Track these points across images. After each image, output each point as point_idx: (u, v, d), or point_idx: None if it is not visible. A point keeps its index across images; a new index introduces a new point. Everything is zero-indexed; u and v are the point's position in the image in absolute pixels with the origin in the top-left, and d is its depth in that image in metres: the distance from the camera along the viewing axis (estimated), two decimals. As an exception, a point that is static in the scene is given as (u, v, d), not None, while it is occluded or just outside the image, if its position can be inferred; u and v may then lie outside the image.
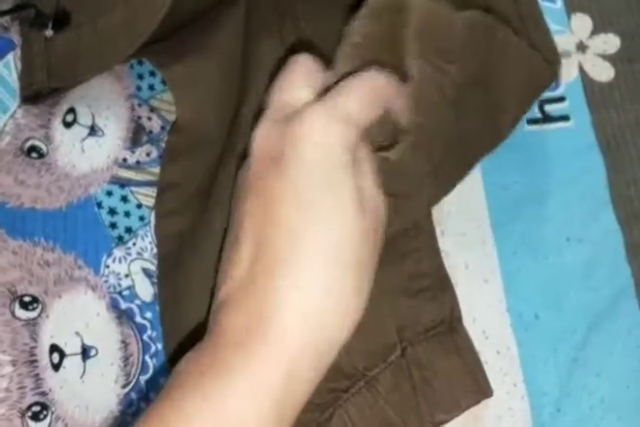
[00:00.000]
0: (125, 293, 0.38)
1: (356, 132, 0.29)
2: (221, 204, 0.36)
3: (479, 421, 0.34)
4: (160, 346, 0.37)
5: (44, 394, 0.36)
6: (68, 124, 0.40)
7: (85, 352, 0.37)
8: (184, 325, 0.35)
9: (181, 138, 0.39)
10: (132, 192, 0.39)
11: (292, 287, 0.27)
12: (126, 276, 0.38)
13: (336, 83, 0.31)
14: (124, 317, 0.37)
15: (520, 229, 0.37)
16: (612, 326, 0.35)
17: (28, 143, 0.40)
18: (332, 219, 0.27)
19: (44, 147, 0.40)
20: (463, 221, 0.37)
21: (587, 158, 0.38)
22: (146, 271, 0.38)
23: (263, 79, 0.38)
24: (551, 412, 0.35)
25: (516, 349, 0.36)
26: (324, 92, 0.30)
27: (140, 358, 0.37)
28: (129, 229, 0.39)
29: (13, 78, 0.41)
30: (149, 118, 0.40)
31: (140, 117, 0.40)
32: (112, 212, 0.39)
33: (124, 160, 0.40)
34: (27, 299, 0.38)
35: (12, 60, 0.41)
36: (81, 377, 0.37)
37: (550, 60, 0.34)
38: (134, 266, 0.38)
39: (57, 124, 0.40)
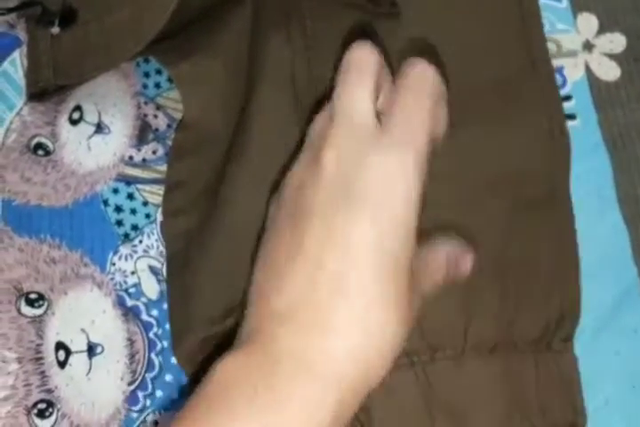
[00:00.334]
0: (131, 290, 0.38)
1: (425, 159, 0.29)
2: (229, 202, 0.36)
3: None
4: (166, 344, 0.37)
5: (49, 391, 0.37)
6: (74, 122, 0.40)
7: (91, 350, 0.37)
8: (192, 323, 0.35)
9: (188, 136, 0.39)
10: (138, 190, 0.39)
11: (351, 319, 0.27)
12: (132, 273, 0.38)
13: None
14: (130, 314, 0.37)
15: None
16: (617, 325, 0.35)
17: (35, 140, 0.40)
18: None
19: (50, 144, 0.40)
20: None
21: (593, 158, 0.38)
22: (152, 269, 0.38)
23: (270, 78, 0.38)
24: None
25: (522, 348, 0.36)
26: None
27: (146, 355, 0.37)
28: (135, 227, 0.39)
29: (19, 75, 0.41)
30: (155, 116, 0.40)
31: (146, 115, 0.40)
32: (118, 209, 0.39)
33: (131, 158, 0.40)
34: (33, 296, 0.38)
35: (19, 57, 0.41)
36: (87, 374, 0.37)
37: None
38: (140, 263, 0.38)
39: (63, 122, 0.40)
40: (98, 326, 0.37)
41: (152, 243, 0.38)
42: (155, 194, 0.39)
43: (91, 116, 0.40)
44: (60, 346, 0.37)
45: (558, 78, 0.39)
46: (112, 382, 0.36)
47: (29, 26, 0.41)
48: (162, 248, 0.38)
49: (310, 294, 0.28)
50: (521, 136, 0.37)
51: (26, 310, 0.37)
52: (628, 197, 0.37)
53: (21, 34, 0.42)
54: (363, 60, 0.30)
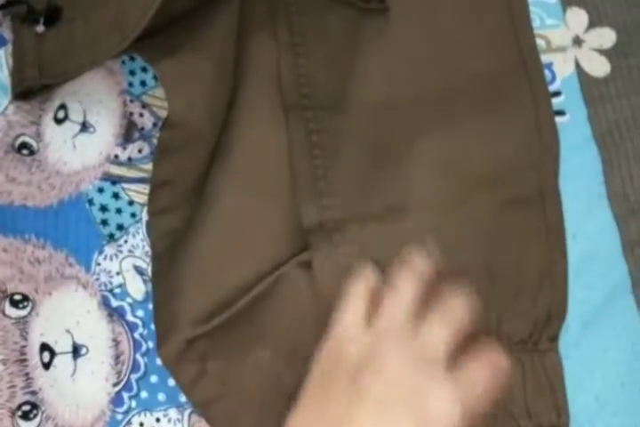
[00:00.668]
0: (117, 290, 0.37)
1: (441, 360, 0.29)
2: (213, 201, 0.36)
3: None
4: (152, 344, 0.37)
5: (34, 393, 0.36)
6: (59, 121, 0.40)
7: (76, 351, 0.37)
8: (177, 324, 0.35)
9: (173, 134, 0.39)
10: (123, 189, 0.39)
11: None
12: (117, 273, 0.38)
13: None
14: (115, 315, 0.37)
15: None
16: (607, 322, 0.35)
17: (19, 140, 0.40)
18: None
19: (34, 143, 0.40)
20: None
21: (583, 153, 0.37)
22: (137, 269, 0.38)
23: (255, 76, 0.38)
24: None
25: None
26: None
27: (132, 356, 0.37)
28: (120, 227, 0.38)
29: (5, 74, 0.41)
30: (141, 115, 0.40)
31: (131, 114, 0.40)
32: (103, 209, 0.38)
33: (116, 157, 0.39)
34: (17, 297, 0.37)
35: (4, 56, 0.41)
36: (71, 376, 0.36)
37: None
38: (126, 263, 0.38)
39: (48, 121, 0.40)
40: (83, 326, 0.37)
41: (137, 242, 0.38)
42: (140, 193, 0.39)
43: (76, 114, 0.40)
44: (44, 347, 0.37)
45: (547, 74, 0.39)
46: (97, 384, 0.36)
47: (14, 24, 0.41)
48: (147, 248, 0.38)
49: None
50: (509, 134, 0.37)
51: (10, 311, 0.37)
52: (618, 193, 0.37)
53: (6, 33, 0.41)
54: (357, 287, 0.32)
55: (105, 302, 0.37)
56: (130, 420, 0.36)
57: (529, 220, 0.35)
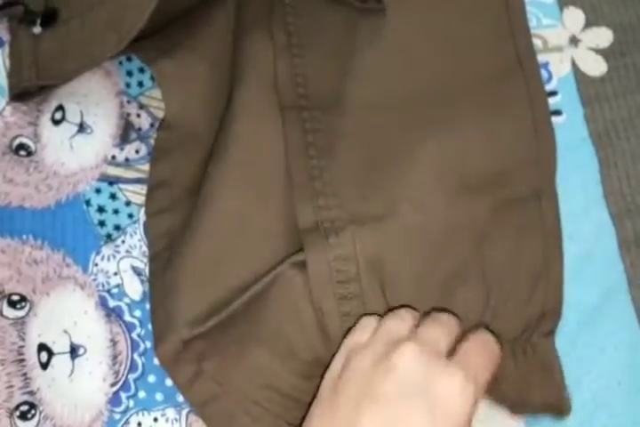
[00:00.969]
0: (114, 291, 0.38)
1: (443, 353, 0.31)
2: (210, 201, 0.36)
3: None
4: (149, 344, 0.37)
5: (32, 393, 0.36)
6: (56, 122, 0.40)
7: (74, 351, 0.37)
8: (174, 324, 0.35)
9: (171, 135, 0.39)
10: (120, 189, 0.39)
11: None
12: (115, 274, 0.38)
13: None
14: (112, 315, 0.37)
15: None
16: (603, 321, 0.35)
17: (17, 141, 0.40)
18: None
19: (32, 144, 0.40)
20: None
21: (579, 153, 0.37)
22: (135, 269, 0.38)
23: (251, 76, 0.38)
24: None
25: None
26: None
27: (129, 356, 0.37)
28: (117, 227, 0.38)
29: (2, 76, 0.41)
30: (138, 115, 0.40)
31: (129, 114, 0.40)
32: (101, 209, 0.39)
33: (113, 157, 0.39)
34: (15, 298, 0.37)
35: (1, 57, 0.41)
36: (69, 376, 0.36)
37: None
38: (123, 264, 0.38)
39: (45, 122, 0.40)
40: (80, 327, 0.37)
41: (135, 243, 0.38)
42: (137, 194, 0.39)
43: (73, 115, 0.40)
44: (42, 348, 0.37)
45: (544, 74, 0.39)
46: (95, 384, 0.36)
47: (12, 26, 0.41)
48: (145, 248, 0.38)
49: None
50: (506, 133, 0.37)
51: (8, 311, 0.37)
52: (614, 192, 0.37)
53: (3, 34, 0.41)
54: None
55: (102, 303, 0.37)
56: (128, 420, 0.36)
57: (525, 219, 0.35)
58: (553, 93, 0.39)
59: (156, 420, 0.36)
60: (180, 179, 0.38)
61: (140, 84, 0.40)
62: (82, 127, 0.40)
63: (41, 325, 0.37)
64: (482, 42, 0.39)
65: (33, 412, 0.36)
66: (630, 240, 0.36)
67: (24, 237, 0.38)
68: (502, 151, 0.36)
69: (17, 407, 0.36)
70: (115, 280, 0.38)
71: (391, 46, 0.39)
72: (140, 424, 0.36)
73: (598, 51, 0.39)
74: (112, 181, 0.39)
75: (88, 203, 0.39)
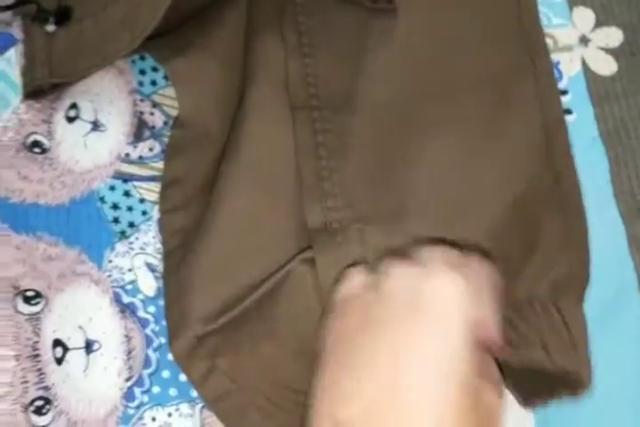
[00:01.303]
0: (128, 287, 0.38)
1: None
2: (224, 198, 0.36)
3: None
4: (163, 340, 0.37)
5: (46, 388, 0.37)
6: (70, 119, 0.40)
7: (89, 346, 0.37)
8: (188, 320, 0.35)
9: (184, 133, 0.39)
10: (134, 187, 0.39)
11: None
12: (129, 270, 0.38)
13: None
14: (127, 311, 0.38)
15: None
16: (614, 320, 0.35)
17: (31, 138, 0.40)
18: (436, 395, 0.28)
19: (46, 142, 0.40)
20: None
21: (590, 152, 0.38)
22: (149, 266, 0.38)
23: (263, 75, 0.38)
24: (551, 409, 0.35)
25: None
26: None
27: (144, 351, 0.37)
28: (132, 224, 0.39)
29: (15, 73, 0.41)
30: (152, 113, 0.40)
31: (142, 113, 0.40)
32: (115, 206, 0.39)
33: (127, 155, 0.40)
34: (30, 293, 0.38)
35: (15, 55, 0.41)
36: (84, 371, 0.37)
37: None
38: (137, 260, 0.38)
39: (59, 119, 0.40)
40: (95, 323, 0.37)
41: (149, 240, 0.38)
42: (151, 191, 0.39)
43: (87, 113, 0.40)
44: (57, 343, 0.37)
45: (554, 73, 0.39)
46: (109, 379, 0.37)
47: (25, 24, 0.41)
48: (158, 245, 0.38)
49: (376, 409, 0.28)
50: (515, 134, 0.37)
51: (23, 307, 0.37)
52: (625, 191, 0.37)
53: (17, 32, 0.41)
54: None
55: (117, 299, 0.38)
56: (142, 415, 0.37)
57: (544, 208, 0.35)
58: (563, 93, 0.39)
59: (169, 415, 0.37)
60: (193, 177, 0.38)
61: (154, 82, 0.41)
62: (95, 125, 0.40)
63: (56, 320, 0.37)
64: (494, 41, 0.39)
65: (48, 407, 0.36)
66: (640, 238, 0.37)
67: (39, 233, 0.38)
68: (512, 152, 0.37)
69: (32, 402, 0.36)
70: (129, 277, 0.38)
71: (402, 46, 0.39)
72: (154, 419, 0.37)
73: (608, 50, 0.40)
74: (126, 178, 0.39)
75: (102, 200, 0.39)
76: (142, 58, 0.41)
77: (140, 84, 0.41)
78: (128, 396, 0.37)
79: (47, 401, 0.37)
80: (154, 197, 0.39)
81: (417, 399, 0.28)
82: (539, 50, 0.38)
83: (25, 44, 0.41)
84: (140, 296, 0.38)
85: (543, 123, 0.37)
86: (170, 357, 0.36)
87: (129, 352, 0.37)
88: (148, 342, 0.37)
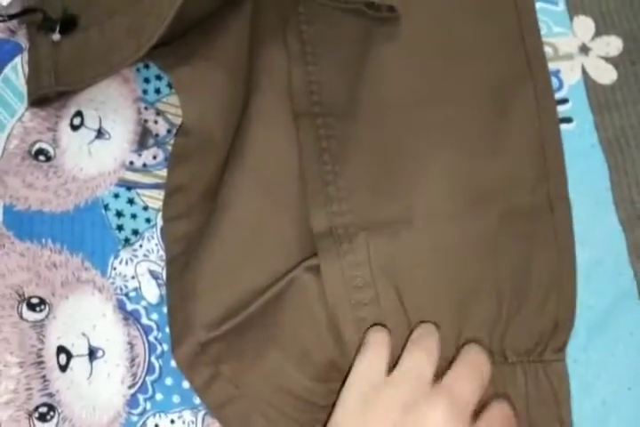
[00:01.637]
0: (132, 294, 0.38)
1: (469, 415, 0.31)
2: (227, 206, 0.37)
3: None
4: (166, 347, 0.37)
5: (50, 395, 0.37)
6: (75, 128, 0.41)
7: (92, 353, 0.37)
8: (192, 327, 0.35)
9: (188, 141, 0.39)
10: (138, 194, 0.39)
11: None
12: (133, 277, 0.38)
13: None
14: (130, 318, 0.38)
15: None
16: (614, 327, 0.35)
17: (36, 146, 0.40)
18: None
19: (51, 150, 0.40)
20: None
21: (589, 160, 0.38)
22: (152, 273, 0.38)
23: (266, 84, 0.38)
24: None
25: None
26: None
27: (147, 359, 0.37)
28: (135, 231, 0.39)
29: (21, 82, 0.42)
30: (155, 122, 0.41)
31: (146, 121, 0.41)
32: (119, 214, 0.39)
33: (131, 163, 0.40)
34: (34, 300, 0.38)
35: (20, 63, 0.42)
36: (88, 378, 0.37)
37: None
38: (141, 268, 0.38)
39: (64, 127, 0.41)
40: (99, 330, 0.37)
41: (152, 247, 0.39)
42: (155, 198, 0.39)
43: (91, 121, 0.41)
44: (61, 350, 0.37)
45: (554, 81, 0.39)
46: (113, 386, 0.37)
47: (30, 32, 0.42)
48: (162, 252, 0.38)
49: None
50: (513, 144, 0.37)
51: (27, 314, 0.38)
52: (625, 199, 0.37)
53: (22, 40, 0.42)
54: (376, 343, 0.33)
55: (120, 306, 0.38)
56: (145, 422, 0.37)
57: (537, 230, 0.35)
58: (564, 101, 0.39)
59: (172, 422, 0.37)
60: (196, 184, 0.39)
61: (158, 90, 0.41)
62: (100, 133, 0.40)
63: (60, 327, 0.38)
64: (495, 49, 0.39)
65: (52, 413, 0.37)
66: (640, 246, 0.37)
67: (43, 240, 0.39)
68: (510, 162, 0.37)
69: (36, 409, 0.37)
70: (132, 284, 0.38)
71: (404, 53, 0.39)
72: (157, 426, 0.37)
73: (608, 59, 0.40)
74: (130, 186, 0.40)
75: (106, 207, 0.39)
76: (146, 66, 0.42)
77: (145, 92, 0.41)
78: (131, 403, 0.37)
79: (51, 408, 0.37)
80: (157, 204, 0.39)
81: None
82: (536, 58, 0.39)
83: (30, 52, 0.41)
84: (144, 303, 0.38)
85: (541, 134, 0.37)
86: (173, 364, 0.36)
87: (132, 359, 0.37)
88: (152, 349, 0.37)
